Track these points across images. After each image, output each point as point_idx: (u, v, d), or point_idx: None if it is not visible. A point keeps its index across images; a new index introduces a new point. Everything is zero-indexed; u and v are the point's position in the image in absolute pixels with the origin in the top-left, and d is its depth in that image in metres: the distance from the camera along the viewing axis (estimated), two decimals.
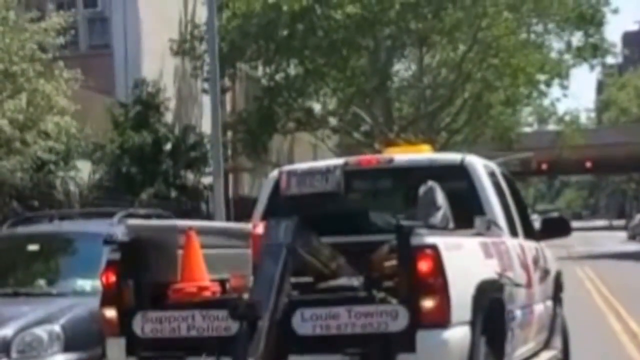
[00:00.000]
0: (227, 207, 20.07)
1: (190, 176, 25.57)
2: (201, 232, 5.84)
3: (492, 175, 7.30)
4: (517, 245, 7.03)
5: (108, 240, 6.06)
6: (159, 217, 10.45)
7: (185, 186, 25.21)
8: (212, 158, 19.48)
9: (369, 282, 5.72)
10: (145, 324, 5.59)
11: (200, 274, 5.62)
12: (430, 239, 5.27)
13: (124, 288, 5.67)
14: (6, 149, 15.99)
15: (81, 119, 18.13)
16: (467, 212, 6.56)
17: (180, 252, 5.68)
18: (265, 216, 6.89)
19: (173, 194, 24.29)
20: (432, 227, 5.74)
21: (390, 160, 7.31)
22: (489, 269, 5.99)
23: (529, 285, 7.06)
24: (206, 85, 27.21)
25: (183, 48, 30.54)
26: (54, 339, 7.79)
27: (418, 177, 6.60)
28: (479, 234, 6.36)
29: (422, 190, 6.33)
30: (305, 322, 5.29)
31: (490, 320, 5.78)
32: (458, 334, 5.32)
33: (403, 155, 7.54)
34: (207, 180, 24.81)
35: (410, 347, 5.15)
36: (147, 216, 10.50)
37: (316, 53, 30.52)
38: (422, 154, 7.58)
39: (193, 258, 5.62)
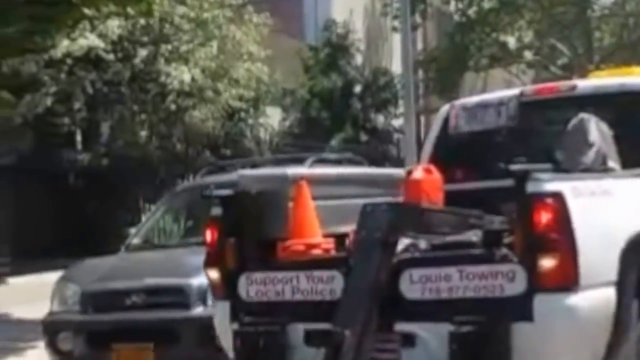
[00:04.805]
0: (418, 150, 19.53)
1: (380, 119, 25.17)
2: (327, 181, 5.28)
3: None
4: None
5: (205, 195, 5.39)
6: (349, 162, 10.13)
7: (375, 129, 24.84)
8: (403, 99, 18.96)
9: (490, 237, 4.82)
10: (250, 287, 5.05)
11: (312, 230, 5.05)
12: (552, 185, 4.38)
13: (227, 247, 5.10)
14: (198, 98, 16.11)
15: (271, 64, 18.05)
16: None
17: (291, 205, 5.12)
18: (434, 158, 6.17)
19: (363, 137, 23.98)
20: (584, 169, 5.00)
21: (573, 87, 6.27)
22: None
23: None
24: (396, 23, 26.68)
25: None
26: None
27: (605, 105, 5.68)
28: None
29: (571, 124, 5.46)
30: (414, 285, 4.60)
31: None
32: (592, 299, 4.43)
33: (588, 80, 6.57)
34: (397, 122, 24.35)
35: (528, 315, 4.34)
36: (338, 161, 10.19)
37: None
38: (627, 78, 6.37)
39: (303, 211, 5.05)
